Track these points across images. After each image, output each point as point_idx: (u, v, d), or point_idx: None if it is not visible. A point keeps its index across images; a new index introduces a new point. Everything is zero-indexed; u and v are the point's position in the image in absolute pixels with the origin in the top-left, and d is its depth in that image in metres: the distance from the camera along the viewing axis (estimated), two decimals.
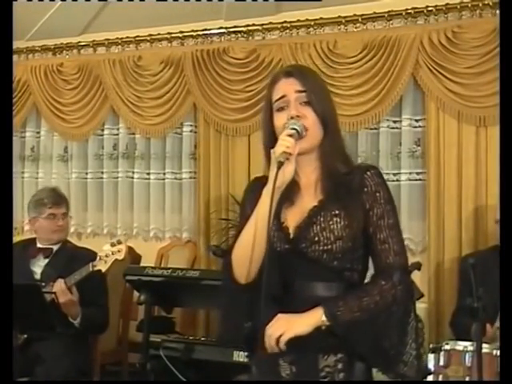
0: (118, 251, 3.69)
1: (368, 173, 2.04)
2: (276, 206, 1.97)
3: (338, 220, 1.98)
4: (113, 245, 3.73)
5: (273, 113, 2.07)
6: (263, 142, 2.10)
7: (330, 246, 1.96)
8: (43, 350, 3.82)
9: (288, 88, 2.04)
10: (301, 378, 2.00)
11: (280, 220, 2.03)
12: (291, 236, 2.01)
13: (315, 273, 1.98)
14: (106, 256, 3.69)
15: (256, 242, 1.94)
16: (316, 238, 1.97)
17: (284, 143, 1.92)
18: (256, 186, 2.08)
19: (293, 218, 2.03)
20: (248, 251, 1.96)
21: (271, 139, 2.03)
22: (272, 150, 1.94)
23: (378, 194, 2.03)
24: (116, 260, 3.69)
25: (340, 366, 1.98)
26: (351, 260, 2.00)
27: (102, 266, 3.70)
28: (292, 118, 2.00)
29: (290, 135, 1.94)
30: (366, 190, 2.02)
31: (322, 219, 1.99)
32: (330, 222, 1.98)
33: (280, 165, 1.89)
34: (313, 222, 1.99)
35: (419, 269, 2.95)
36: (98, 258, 3.69)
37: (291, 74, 2.07)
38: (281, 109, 2.04)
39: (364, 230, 2.01)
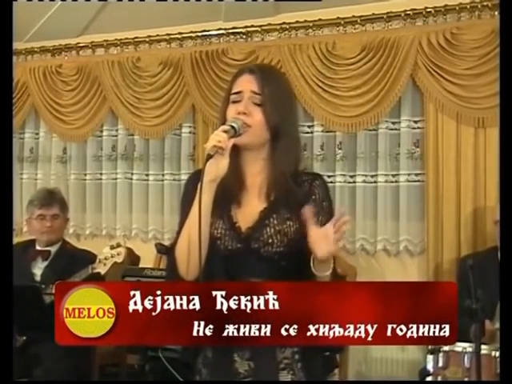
0: (118, 254, 3.71)
1: (317, 182, 2.12)
2: (224, 204, 2.03)
3: (291, 224, 2.04)
4: (112, 247, 3.74)
5: (228, 104, 2.11)
6: None
7: (282, 248, 2.03)
8: (42, 351, 3.82)
9: (246, 85, 2.08)
10: (260, 373, 2.01)
11: (232, 220, 2.06)
12: (244, 236, 2.04)
13: (264, 271, 2.02)
14: (106, 259, 3.70)
15: (192, 238, 1.96)
16: (270, 240, 2.02)
17: (215, 137, 1.96)
18: (195, 180, 2.07)
19: (243, 219, 2.06)
20: (187, 247, 1.98)
21: None
22: (205, 145, 1.98)
23: (324, 204, 2.10)
24: (115, 263, 3.70)
25: (297, 356, 2.03)
26: (297, 261, 2.03)
27: (101, 269, 3.71)
28: (239, 113, 2.04)
29: (225, 131, 1.98)
30: (314, 197, 2.09)
31: (275, 222, 2.04)
32: (284, 226, 2.04)
33: (208, 157, 1.94)
34: (265, 223, 2.04)
35: None
36: (98, 260, 3.70)
37: (253, 73, 2.10)
38: (235, 102, 2.08)
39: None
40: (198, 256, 1.93)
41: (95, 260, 3.73)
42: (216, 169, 1.96)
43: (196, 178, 2.04)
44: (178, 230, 2.08)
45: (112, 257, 3.70)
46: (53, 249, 4.15)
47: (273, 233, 2.03)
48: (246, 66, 2.20)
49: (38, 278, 4.05)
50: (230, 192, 2.05)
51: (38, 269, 4.09)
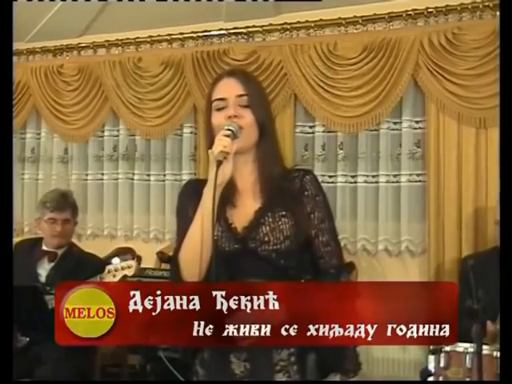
0: (128, 267, 3.62)
1: (307, 177, 2.14)
2: (219, 206, 2.01)
3: (286, 220, 2.06)
4: (123, 259, 3.69)
5: (211, 112, 2.11)
6: (205, 142, 2.15)
7: (279, 246, 2.03)
8: (44, 352, 3.81)
9: (229, 90, 2.09)
10: (256, 374, 2.02)
11: (228, 221, 2.07)
12: (240, 236, 2.05)
13: (262, 271, 2.02)
14: (115, 270, 3.63)
15: (204, 242, 1.97)
16: (266, 238, 2.04)
17: (221, 143, 1.97)
18: (192, 188, 2.12)
19: (239, 220, 2.07)
20: (197, 252, 1.99)
21: (210, 140, 2.07)
22: (210, 151, 1.99)
23: (318, 198, 2.12)
24: (125, 276, 3.64)
25: (293, 358, 2.03)
26: (295, 259, 2.06)
27: (110, 280, 3.66)
28: (229, 117, 2.04)
29: (227, 135, 1.99)
30: (306, 193, 2.11)
31: (270, 220, 2.05)
32: (280, 223, 2.05)
33: (219, 163, 1.94)
34: (261, 222, 2.05)
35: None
36: (107, 270, 3.61)
37: (234, 75, 2.11)
38: (220, 109, 2.09)
39: (306, 231, 2.08)
40: (204, 260, 1.95)
41: (102, 265, 3.68)
42: (222, 174, 1.97)
43: (192, 187, 2.10)
44: (178, 239, 2.09)
45: (122, 269, 3.62)
46: (60, 251, 4.13)
47: (268, 230, 2.04)
48: (223, 71, 2.23)
49: (42, 279, 4.04)
50: (223, 196, 2.04)
51: (44, 270, 4.08)
